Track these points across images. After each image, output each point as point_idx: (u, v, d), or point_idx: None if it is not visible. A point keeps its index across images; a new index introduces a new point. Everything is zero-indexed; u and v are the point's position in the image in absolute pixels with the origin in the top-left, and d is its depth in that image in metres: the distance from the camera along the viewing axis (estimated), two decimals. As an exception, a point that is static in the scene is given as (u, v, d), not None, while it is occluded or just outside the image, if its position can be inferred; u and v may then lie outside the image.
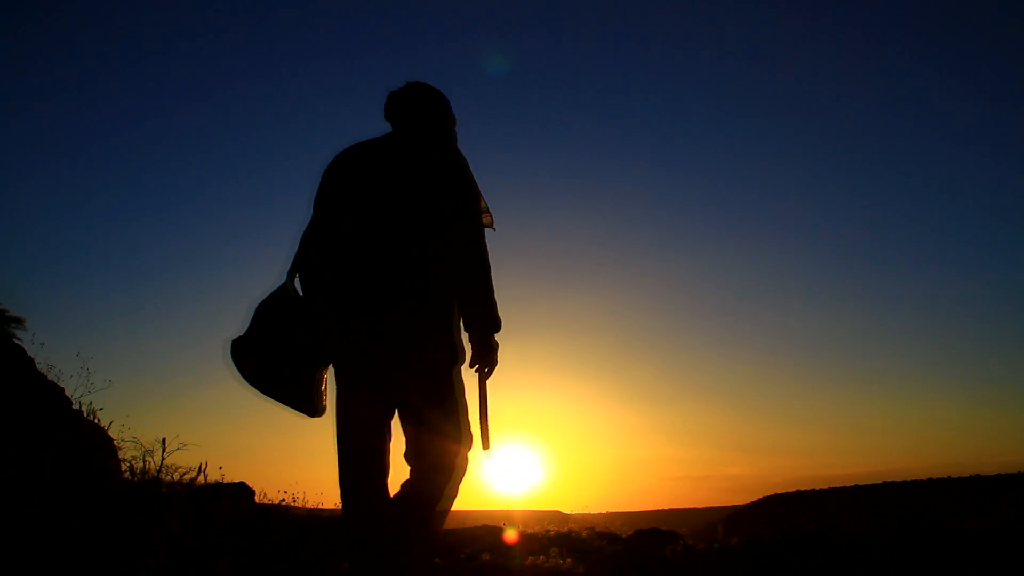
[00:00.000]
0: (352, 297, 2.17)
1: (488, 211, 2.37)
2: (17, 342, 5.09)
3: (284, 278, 2.32)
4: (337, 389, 2.30)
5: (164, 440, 4.23)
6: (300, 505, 5.67)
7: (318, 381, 2.29)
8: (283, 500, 5.31)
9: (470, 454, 2.27)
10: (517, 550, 4.75)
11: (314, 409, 2.31)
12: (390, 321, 2.15)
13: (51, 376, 4.91)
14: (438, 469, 2.19)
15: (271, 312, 2.24)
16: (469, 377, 2.31)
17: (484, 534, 5.34)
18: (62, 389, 4.86)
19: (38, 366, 4.98)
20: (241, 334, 2.24)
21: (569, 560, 4.39)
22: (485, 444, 2.27)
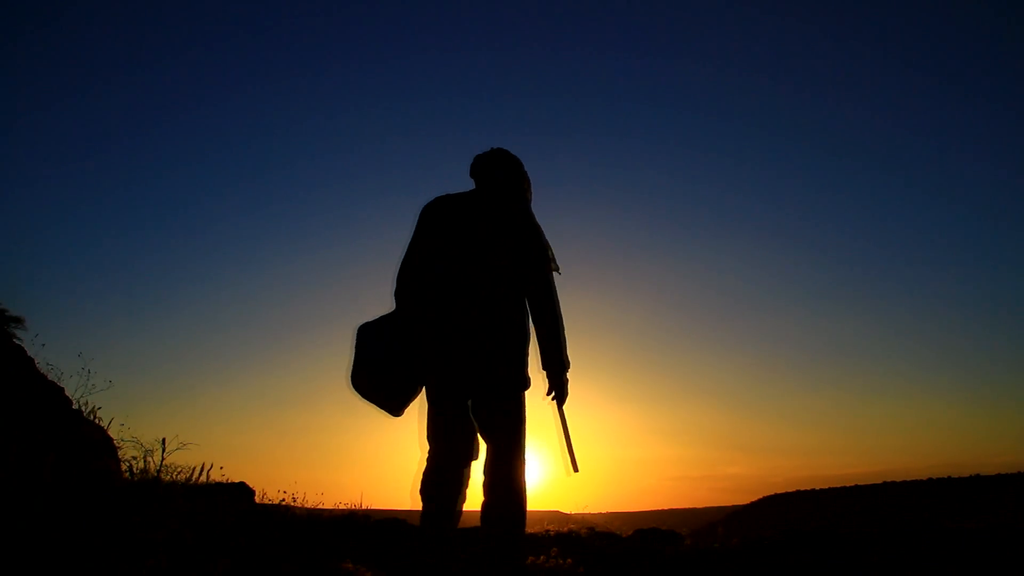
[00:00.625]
0: (445, 326, 2.57)
1: (554, 259, 2.75)
2: (17, 342, 5.09)
3: (390, 308, 2.72)
4: (428, 398, 2.65)
5: (164, 440, 4.23)
6: (300, 505, 5.67)
7: (411, 392, 2.66)
8: (283, 500, 5.31)
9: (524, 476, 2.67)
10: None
11: (398, 413, 2.68)
12: (476, 348, 2.56)
13: (51, 376, 4.91)
14: (510, 490, 2.59)
15: (375, 333, 2.65)
16: (545, 408, 2.73)
17: (482, 534, 5.33)
18: (62, 389, 4.86)
19: (38, 366, 4.98)
20: (361, 356, 2.63)
21: (569, 560, 4.39)
22: (574, 467, 2.67)
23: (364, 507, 6.48)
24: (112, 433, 4.60)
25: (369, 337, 2.64)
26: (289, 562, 3.15)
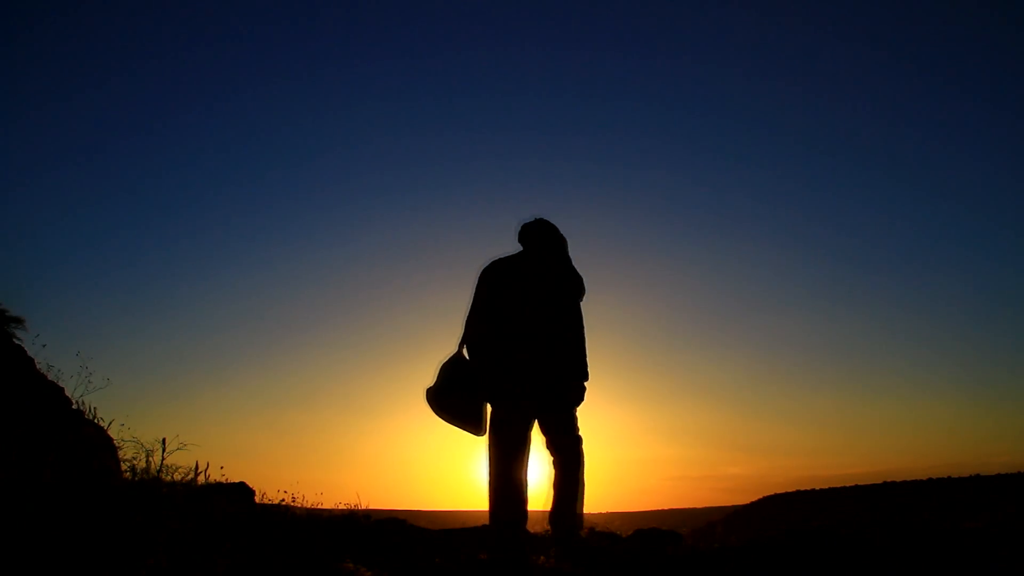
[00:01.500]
0: (509, 358, 3.34)
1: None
2: (17, 342, 5.09)
3: (457, 349, 3.50)
4: (493, 418, 3.37)
5: (164, 440, 4.23)
6: (300, 505, 5.68)
7: (484, 413, 3.39)
8: (283, 500, 5.32)
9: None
10: (517, 550, 4.74)
11: (481, 431, 3.40)
12: (538, 374, 3.32)
13: (51, 376, 4.91)
14: (573, 480, 3.44)
15: (451, 370, 3.41)
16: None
17: (484, 534, 5.34)
18: (62, 389, 4.86)
19: (38, 366, 4.98)
20: (432, 386, 3.44)
21: (569, 560, 4.38)
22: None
23: (364, 507, 6.49)
24: (112, 433, 4.60)
25: (451, 373, 3.39)
26: (289, 562, 3.15)
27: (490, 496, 3.30)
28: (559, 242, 3.63)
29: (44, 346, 4.98)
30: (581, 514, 3.50)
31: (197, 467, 4.37)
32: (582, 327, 3.52)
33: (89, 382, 4.66)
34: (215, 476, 4.66)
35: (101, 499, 3.04)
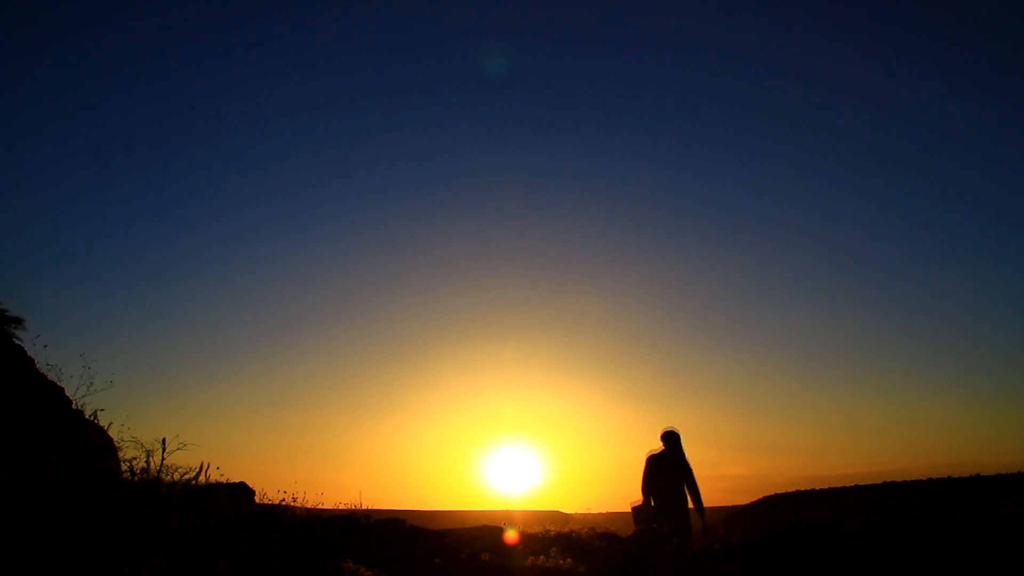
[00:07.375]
0: (663, 503, 6.97)
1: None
2: (17, 342, 5.09)
3: (644, 498, 7.18)
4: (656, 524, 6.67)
5: (164, 440, 4.22)
6: (300, 505, 5.68)
7: (653, 520, 6.72)
8: (283, 500, 5.31)
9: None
10: (517, 550, 4.75)
11: (651, 527, 6.43)
12: (675, 511, 6.93)
13: (51, 376, 4.90)
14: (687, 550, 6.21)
15: (641, 508, 6.94)
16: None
17: (484, 534, 5.34)
18: (62, 389, 4.86)
19: (38, 366, 4.97)
20: (635, 507, 7.05)
21: (569, 560, 4.39)
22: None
23: (364, 507, 6.49)
24: (112, 433, 4.60)
25: (640, 508, 6.84)
26: (289, 562, 3.15)
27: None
28: (680, 443, 7.21)
29: (46, 346, 4.98)
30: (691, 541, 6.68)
31: (200, 467, 4.36)
32: (695, 484, 7.04)
33: (91, 383, 4.66)
34: (215, 476, 4.65)
35: (101, 499, 3.04)
